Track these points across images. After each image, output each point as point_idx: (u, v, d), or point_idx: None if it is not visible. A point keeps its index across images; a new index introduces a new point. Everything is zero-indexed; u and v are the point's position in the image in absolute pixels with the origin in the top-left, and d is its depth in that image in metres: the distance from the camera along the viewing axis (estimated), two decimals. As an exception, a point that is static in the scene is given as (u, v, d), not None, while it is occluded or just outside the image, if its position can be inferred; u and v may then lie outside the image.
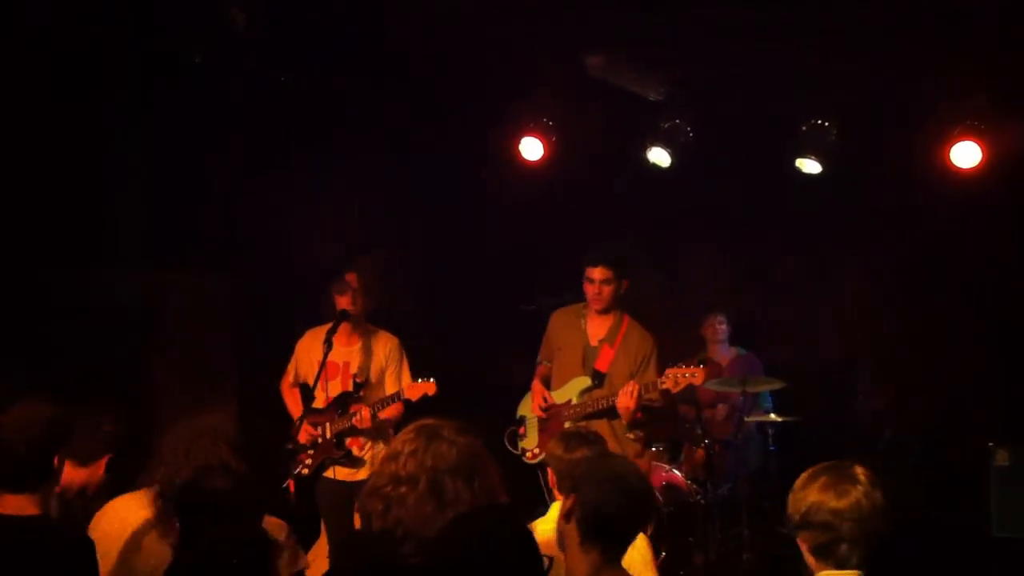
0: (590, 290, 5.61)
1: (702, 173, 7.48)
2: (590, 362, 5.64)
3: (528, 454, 5.88)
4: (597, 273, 5.59)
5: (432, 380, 5.67)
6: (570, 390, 5.68)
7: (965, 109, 6.39)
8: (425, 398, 5.70)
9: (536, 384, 5.89)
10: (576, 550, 2.90)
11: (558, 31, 6.16)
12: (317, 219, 7.03)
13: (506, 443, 6.10)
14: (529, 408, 5.93)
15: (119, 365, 6.29)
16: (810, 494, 2.83)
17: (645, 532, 3.34)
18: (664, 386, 5.39)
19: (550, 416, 5.72)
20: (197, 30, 5.96)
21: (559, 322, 5.86)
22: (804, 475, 2.90)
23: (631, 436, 5.54)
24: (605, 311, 5.65)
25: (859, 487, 2.81)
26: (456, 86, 7.10)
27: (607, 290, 5.59)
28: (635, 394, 5.36)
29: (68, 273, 6.06)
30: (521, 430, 6.02)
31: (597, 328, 5.68)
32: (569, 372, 5.70)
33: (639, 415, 5.49)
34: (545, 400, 5.73)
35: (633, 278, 5.75)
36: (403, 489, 2.55)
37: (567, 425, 5.52)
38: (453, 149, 7.64)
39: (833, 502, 2.78)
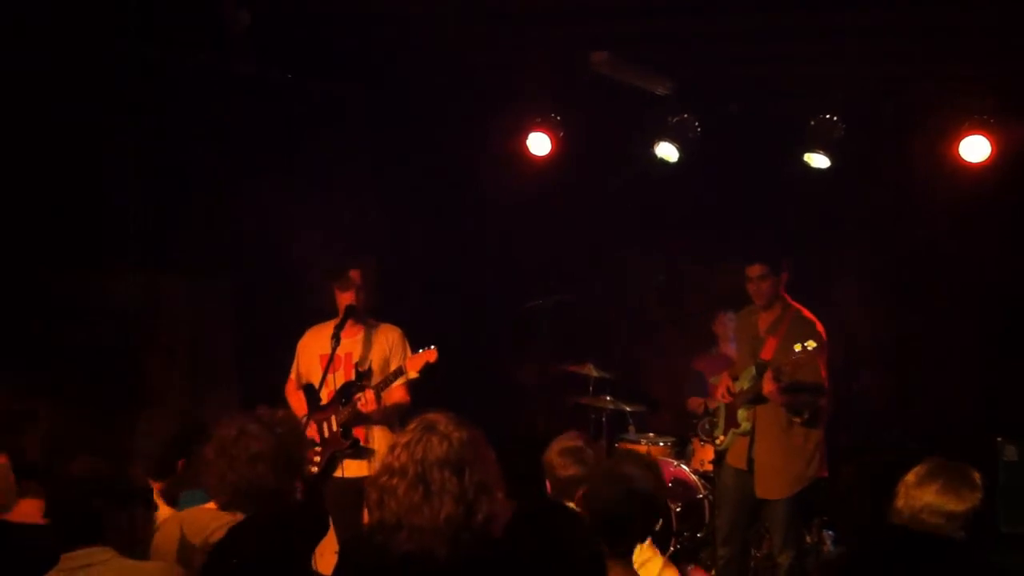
0: (751, 288, 5.99)
1: (707, 171, 7.49)
2: (757, 352, 6.00)
3: (717, 440, 6.30)
4: (753, 271, 5.94)
5: (433, 348, 5.67)
6: (743, 379, 6.07)
7: (973, 104, 6.39)
8: (431, 371, 5.69)
9: (724, 374, 6.36)
10: None
11: (563, 30, 6.17)
12: (318, 220, 7.03)
13: (700, 434, 7.02)
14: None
15: (119, 367, 6.30)
16: (925, 494, 2.86)
17: (654, 530, 3.36)
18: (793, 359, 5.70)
19: (731, 403, 6.15)
20: (196, 33, 5.97)
21: (739, 320, 6.36)
22: (919, 470, 2.93)
23: (796, 420, 5.83)
24: (770, 304, 5.98)
25: (977, 493, 2.86)
26: (458, 85, 7.11)
27: (765, 285, 5.93)
28: (771, 378, 5.74)
29: (68, 275, 6.07)
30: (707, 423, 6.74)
31: (766, 320, 6.04)
32: (744, 363, 6.16)
33: (787, 397, 5.79)
34: (728, 389, 6.16)
35: (790, 267, 6.02)
36: (395, 480, 2.64)
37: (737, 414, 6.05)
38: (456, 148, 7.65)
39: (951, 505, 2.82)
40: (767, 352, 5.93)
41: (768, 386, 5.78)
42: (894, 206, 7.42)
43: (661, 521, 6.53)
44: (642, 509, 2.98)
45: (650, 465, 3.16)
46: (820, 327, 5.88)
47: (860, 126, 6.83)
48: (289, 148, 6.97)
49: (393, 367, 5.85)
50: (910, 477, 2.93)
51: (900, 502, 2.91)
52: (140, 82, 6.17)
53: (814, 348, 5.61)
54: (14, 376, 5.57)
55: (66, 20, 5.61)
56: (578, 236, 8.14)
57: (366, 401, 5.68)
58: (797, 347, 5.66)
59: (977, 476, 2.91)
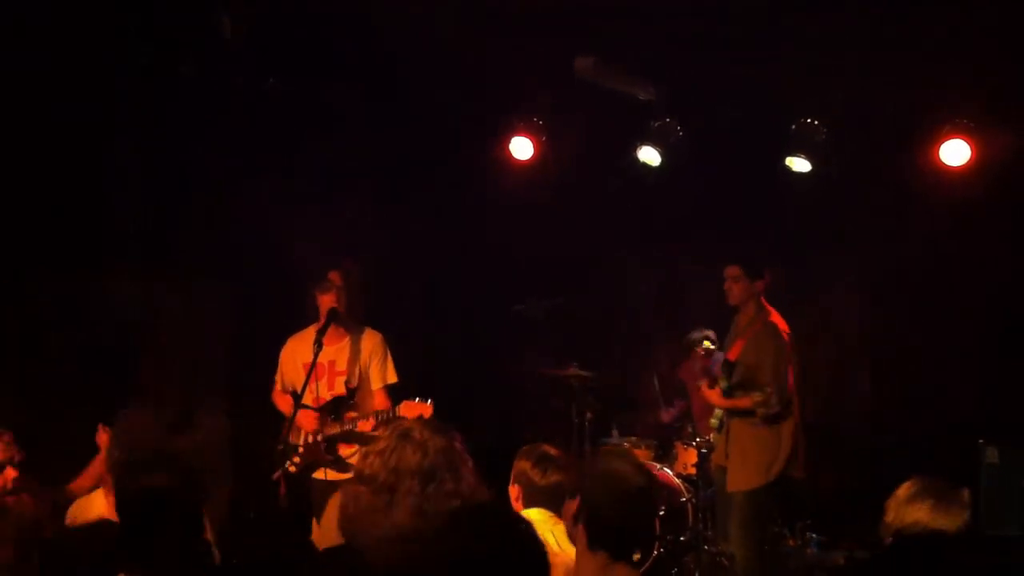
0: (724, 286, 6.13)
1: (696, 176, 7.48)
2: (728, 351, 6.17)
3: (711, 437, 6.40)
4: (728, 271, 6.11)
5: (430, 402, 5.58)
6: (722, 378, 6.14)
7: (955, 108, 6.40)
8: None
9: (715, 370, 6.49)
10: (584, 550, 2.94)
11: (551, 35, 6.18)
12: (318, 222, 7.02)
13: (683, 438, 7.11)
14: None
15: (119, 367, 6.30)
16: (916, 511, 2.87)
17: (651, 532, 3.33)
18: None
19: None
20: (195, 40, 5.98)
21: (734, 320, 6.36)
22: (909, 488, 2.94)
23: (756, 419, 5.92)
24: (742, 306, 6.13)
25: (967, 512, 2.88)
26: (458, 85, 7.10)
27: (735, 287, 6.07)
28: (707, 386, 6.02)
29: (68, 275, 6.08)
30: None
31: (741, 322, 6.20)
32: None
33: (726, 403, 5.98)
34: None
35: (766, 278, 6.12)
36: (362, 487, 2.56)
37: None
38: (455, 148, 7.65)
39: (940, 522, 2.84)
40: (734, 353, 6.06)
41: (705, 393, 6.05)
42: (893, 206, 7.41)
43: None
44: (634, 508, 2.94)
45: (637, 463, 3.12)
46: (784, 332, 5.98)
47: (860, 126, 6.82)
48: (289, 149, 6.97)
49: (372, 373, 5.85)
50: (900, 492, 2.92)
51: (890, 516, 2.91)
52: (140, 82, 6.18)
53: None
54: (13, 376, 5.59)
55: (66, 20, 5.61)
56: (577, 236, 8.13)
57: (364, 431, 5.59)
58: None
59: (967, 495, 2.90)
